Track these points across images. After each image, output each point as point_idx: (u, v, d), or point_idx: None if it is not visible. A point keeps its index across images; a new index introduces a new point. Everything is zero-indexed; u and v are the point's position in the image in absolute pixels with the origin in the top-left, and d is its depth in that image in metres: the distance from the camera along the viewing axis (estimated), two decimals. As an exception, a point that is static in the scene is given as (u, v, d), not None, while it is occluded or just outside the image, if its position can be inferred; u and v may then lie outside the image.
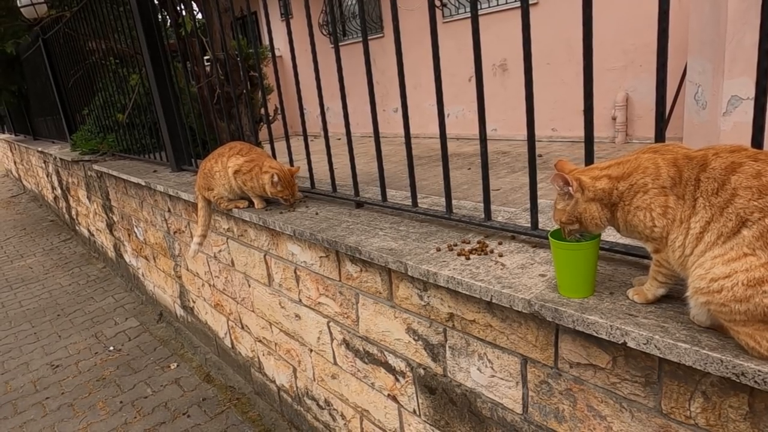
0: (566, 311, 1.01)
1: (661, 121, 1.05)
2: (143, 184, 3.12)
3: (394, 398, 1.67)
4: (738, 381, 0.81)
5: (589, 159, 1.19)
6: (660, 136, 1.06)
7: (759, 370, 0.78)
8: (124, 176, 3.41)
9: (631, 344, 0.92)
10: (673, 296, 0.99)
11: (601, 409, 1.07)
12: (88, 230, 5.53)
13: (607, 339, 0.96)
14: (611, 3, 5.37)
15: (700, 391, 0.90)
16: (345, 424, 2.02)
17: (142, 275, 4.05)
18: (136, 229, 3.78)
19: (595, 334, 0.98)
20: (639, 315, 0.96)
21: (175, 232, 3.04)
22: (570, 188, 0.94)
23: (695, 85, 4.40)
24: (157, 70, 2.97)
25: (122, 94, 3.95)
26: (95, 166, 4.09)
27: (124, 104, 3.90)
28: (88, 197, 4.98)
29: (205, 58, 3.31)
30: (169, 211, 3.02)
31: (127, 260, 4.33)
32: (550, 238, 1.05)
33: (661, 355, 0.89)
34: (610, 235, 1.22)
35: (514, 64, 6.69)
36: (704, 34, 4.19)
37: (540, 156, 5.51)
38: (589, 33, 1.10)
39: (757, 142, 0.93)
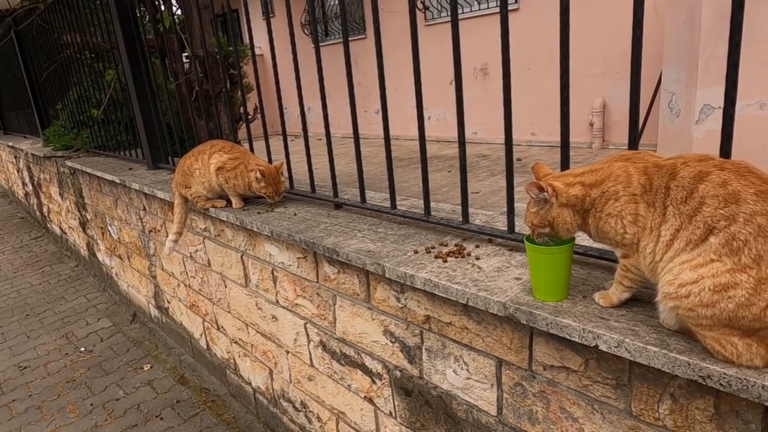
0: (540, 314, 1.02)
1: (635, 128, 1.07)
2: (118, 181, 3.05)
3: (371, 400, 1.67)
4: (704, 384, 0.83)
5: (565, 164, 1.20)
6: (633, 144, 1.08)
7: (724, 373, 0.80)
8: (99, 173, 3.34)
9: (602, 347, 0.94)
10: (644, 300, 1.01)
11: (574, 411, 1.09)
12: (60, 228, 5.39)
13: (580, 342, 0.97)
14: (591, 10, 5.48)
15: (669, 394, 0.92)
16: (321, 426, 2.01)
17: (116, 275, 3.96)
18: (110, 228, 3.70)
19: (568, 337, 0.99)
20: (611, 318, 0.98)
21: (150, 231, 2.99)
22: (545, 194, 0.96)
23: (670, 93, 4.51)
24: (134, 65, 2.91)
25: (98, 90, 3.87)
26: (68, 163, 3.99)
27: (100, 100, 3.82)
28: (60, 194, 4.85)
29: (185, 54, 3.26)
30: (144, 209, 2.96)
31: (101, 259, 4.24)
32: (525, 241, 1.07)
33: (631, 358, 0.90)
34: (584, 239, 1.24)
35: (495, 69, 6.75)
36: (679, 44, 4.30)
37: (519, 160, 5.58)
38: (566, 39, 1.11)
39: (725, 150, 0.96)
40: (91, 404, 2.77)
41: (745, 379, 0.78)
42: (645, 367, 0.94)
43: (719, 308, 0.77)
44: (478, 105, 6.80)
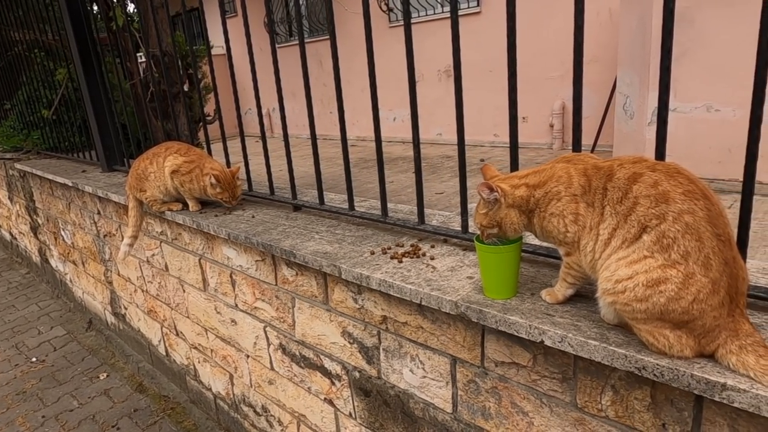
0: (490, 312, 1.05)
1: (578, 130, 1.11)
2: (71, 184, 2.95)
3: (331, 402, 1.67)
4: (640, 375, 0.86)
5: (515, 166, 1.24)
6: (577, 146, 1.12)
7: (657, 364, 0.84)
8: (50, 176, 3.21)
9: (547, 342, 0.97)
10: (588, 296, 1.05)
11: (524, 405, 1.12)
12: (10, 233, 5.15)
13: (527, 338, 1.00)
14: (551, 14, 5.62)
15: (610, 385, 0.96)
16: (282, 429, 1.99)
17: (70, 281, 3.82)
18: (63, 233, 3.56)
19: (516, 334, 1.02)
20: (556, 315, 1.01)
21: (105, 236, 2.89)
22: (496, 194, 0.98)
23: (624, 96, 4.68)
24: (87, 64, 2.82)
25: (49, 89, 3.72)
26: (18, 165, 3.82)
27: (51, 99, 3.67)
28: (9, 198, 4.64)
29: (140, 54, 3.17)
30: (99, 213, 2.87)
31: (54, 265, 4.07)
32: (475, 241, 1.09)
33: (574, 352, 0.94)
34: (534, 238, 1.28)
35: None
36: (632, 48, 4.47)
37: (482, 161, 5.68)
38: (512, 45, 1.15)
39: (659, 152, 1.00)
40: (43, 416, 2.66)
41: (675, 369, 0.82)
42: (588, 361, 0.97)
43: (652, 302, 0.81)
44: (442, 106, 6.88)
